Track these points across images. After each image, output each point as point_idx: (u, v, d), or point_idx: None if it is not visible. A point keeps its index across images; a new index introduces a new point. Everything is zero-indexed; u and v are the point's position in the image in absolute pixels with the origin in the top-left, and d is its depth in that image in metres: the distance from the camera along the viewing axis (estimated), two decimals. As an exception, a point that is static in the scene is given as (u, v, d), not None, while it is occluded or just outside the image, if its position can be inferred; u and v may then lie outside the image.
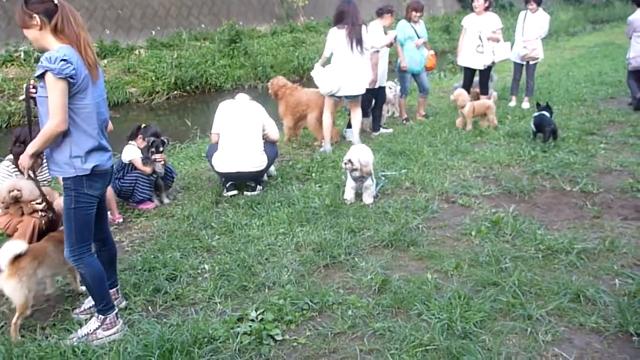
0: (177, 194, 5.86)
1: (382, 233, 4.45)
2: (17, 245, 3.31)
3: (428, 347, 2.97)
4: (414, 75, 8.52)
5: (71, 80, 2.84)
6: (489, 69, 8.68)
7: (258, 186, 5.70)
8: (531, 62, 9.06)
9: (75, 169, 3.02)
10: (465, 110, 7.86)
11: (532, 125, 7.13)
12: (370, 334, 3.17)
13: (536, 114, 7.16)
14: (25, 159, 3.03)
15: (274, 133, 5.89)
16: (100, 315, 3.23)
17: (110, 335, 3.22)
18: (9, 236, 4.65)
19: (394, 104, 8.98)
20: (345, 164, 5.14)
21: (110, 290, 3.48)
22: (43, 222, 4.65)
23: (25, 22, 2.90)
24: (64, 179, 3.07)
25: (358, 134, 7.23)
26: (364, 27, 6.72)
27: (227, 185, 5.67)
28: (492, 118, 7.88)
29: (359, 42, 6.66)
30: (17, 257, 3.25)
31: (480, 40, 8.40)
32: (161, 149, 5.47)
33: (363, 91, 6.98)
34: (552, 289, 3.54)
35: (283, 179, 6.07)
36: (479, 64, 8.58)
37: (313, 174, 6.21)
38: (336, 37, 6.74)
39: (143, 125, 5.67)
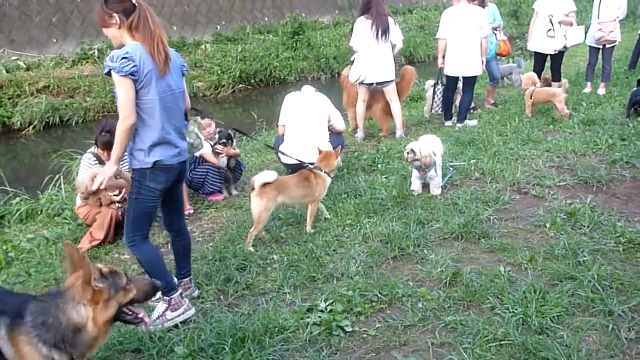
0: (245, 186, 5.96)
1: (452, 225, 4.36)
2: (268, 174, 4.30)
3: (502, 342, 2.89)
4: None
5: (132, 77, 2.92)
6: (561, 54, 8.31)
7: None
8: (608, 46, 8.60)
9: (139, 161, 3.12)
10: (525, 95, 7.66)
11: (629, 102, 7.24)
12: (441, 327, 3.11)
13: (635, 89, 7.28)
14: (110, 167, 3.07)
15: (339, 124, 5.90)
16: (165, 297, 3.34)
17: (178, 315, 3.34)
18: (88, 226, 4.90)
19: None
20: (408, 153, 5.05)
21: (184, 280, 3.61)
22: (120, 212, 4.86)
23: (104, 20, 3.02)
24: (132, 168, 3.19)
25: (400, 121, 7.20)
26: (390, 18, 6.87)
27: None
28: (562, 107, 7.49)
29: (385, 31, 6.78)
30: (265, 184, 4.25)
31: (551, 24, 8.03)
32: (225, 142, 5.55)
33: (391, 77, 6.98)
34: (634, 284, 3.36)
35: (349, 170, 6.05)
36: (549, 49, 8.21)
37: (379, 165, 6.17)
38: (362, 26, 6.85)
39: (219, 130, 5.79)
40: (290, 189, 4.47)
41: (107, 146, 4.84)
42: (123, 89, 2.93)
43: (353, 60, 7.09)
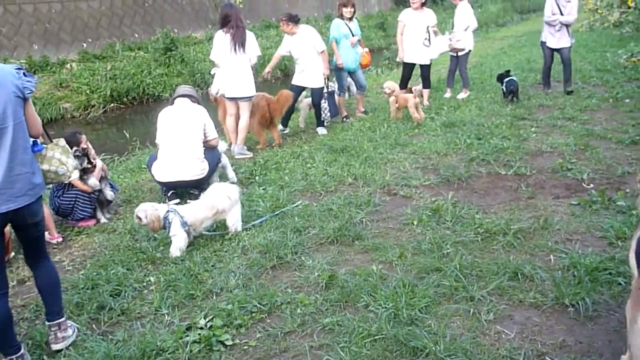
0: (119, 208, 5.73)
1: (327, 230, 4.50)
2: None
3: (376, 337, 3.04)
4: (350, 73, 8.63)
5: None
6: (430, 63, 8.93)
7: (201, 194, 5.64)
8: (460, 54, 9.33)
9: None
10: (390, 100, 8.30)
11: (504, 88, 8.84)
12: (319, 330, 3.20)
13: (508, 79, 8.82)
14: None
15: (214, 138, 5.79)
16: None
17: None
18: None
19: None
20: (135, 218, 4.53)
21: (58, 321, 3.25)
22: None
23: None
24: None
25: (241, 138, 7.27)
26: (247, 31, 7.08)
27: (169, 194, 5.59)
28: (412, 111, 7.94)
29: (242, 44, 6.94)
30: None
31: (427, 34, 8.58)
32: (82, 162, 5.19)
33: (247, 94, 7.10)
34: (491, 270, 3.68)
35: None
36: (425, 59, 8.78)
37: (257, 177, 6.21)
38: (221, 40, 7.02)
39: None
40: None
41: None
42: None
43: (213, 75, 7.17)
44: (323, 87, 7.88)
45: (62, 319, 3.27)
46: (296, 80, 8.01)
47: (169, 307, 3.59)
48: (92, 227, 5.24)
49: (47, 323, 3.26)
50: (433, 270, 3.74)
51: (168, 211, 4.46)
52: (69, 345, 3.24)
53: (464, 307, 3.31)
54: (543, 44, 9.15)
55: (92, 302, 3.70)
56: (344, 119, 8.73)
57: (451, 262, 3.78)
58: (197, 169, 5.53)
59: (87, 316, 3.57)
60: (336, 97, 8.70)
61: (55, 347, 3.22)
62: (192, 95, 5.84)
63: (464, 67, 9.52)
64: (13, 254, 4.59)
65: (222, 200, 4.61)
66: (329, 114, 8.02)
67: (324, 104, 7.94)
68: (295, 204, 5.16)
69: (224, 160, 6.09)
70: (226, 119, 7.37)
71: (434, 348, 2.89)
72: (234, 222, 4.69)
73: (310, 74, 7.80)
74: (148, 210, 4.43)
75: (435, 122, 7.86)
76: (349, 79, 8.88)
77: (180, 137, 5.53)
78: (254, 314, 3.42)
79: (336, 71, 8.59)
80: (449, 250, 4.00)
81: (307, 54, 7.73)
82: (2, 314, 2.99)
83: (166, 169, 5.49)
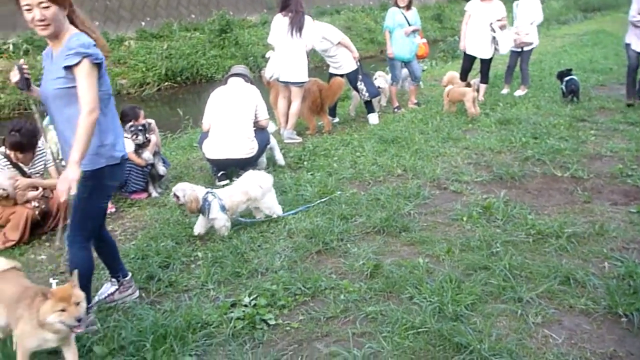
0: (169, 184, 5.84)
1: (374, 219, 4.47)
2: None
3: (420, 330, 3.00)
4: (405, 64, 8.51)
5: (98, 66, 2.81)
6: (492, 58, 8.69)
7: None
8: (525, 49, 9.03)
9: (106, 158, 2.94)
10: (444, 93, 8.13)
11: (564, 87, 8.61)
12: (362, 318, 3.19)
13: (568, 77, 8.58)
14: (74, 171, 2.68)
15: (264, 118, 5.82)
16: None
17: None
18: (1, 226, 4.65)
19: (385, 93, 8.98)
20: (173, 196, 4.50)
21: (124, 280, 3.50)
22: (36, 212, 4.65)
23: None
24: (86, 170, 2.85)
25: (292, 123, 7.25)
26: (307, 15, 7.00)
27: (219, 174, 5.66)
28: (469, 106, 7.78)
29: (300, 29, 6.88)
30: None
31: (493, 31, 8.33)
32: (140, 137, 5.36)
33: (300, 80, 7.05)
34: (542, 272, 3.57)
35: (275, 168, 6.07)
36: (488, 53, 8.54)
37: (305, 162, 6.22)
38: (279, 23, 6.95)
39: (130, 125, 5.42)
40: None
41: (16, 146, 4.61)
42: (94, 78, 2.76)
43: (268, 58, 7.19)
44: (357, 70, 7.75)
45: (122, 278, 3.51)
46: (332, 70, 7.90)
47: (214, 283, 3.65)
48: (143, 200, 5.38)
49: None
50: (481, 268, 3.66)
51: (207, 193, 4.42)
52: (119, 312, 3.34)
53: (511, 307, 3.23)
54: (627, 46, 8.16)
55: (142, 272, 3.80)
56: (395, 110, 8.64)
57: (500, 261, 3.69)
58: (247, 147, 5.58)
59: (137, 284, 3.66)
60: (389, 86, 8.63)
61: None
62: (245, 75, 5.89)
63: (526, 63, 9.24)
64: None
65: (254, 189, 4.58)
66: (367, 94, 7.87)
67: (361, 86, 7.82)
68: (339, 193, 5.12)
69: (273, 142, 6.12)
70: (278, 102, 7.40)
71: (478, 346, 2.83)
72: (270, 207, 4.66)
73: (340, 61, 7.71)
74: (187, 190, 4.37)
75: (490, 119, 7.68)
76: (405, 71, 8.76)
77: (232, 115, 5.59)
78: (297, 297, 3.44)
79: (389, 60, 8.50)
80: (498, 249, 3.91)
81: (327, 46, 7.65)
82: (111, 242, 3.44)
83: (216, 147, 5.56)
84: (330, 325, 3.16)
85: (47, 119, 2.95)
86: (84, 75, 2.73)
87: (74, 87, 2.76)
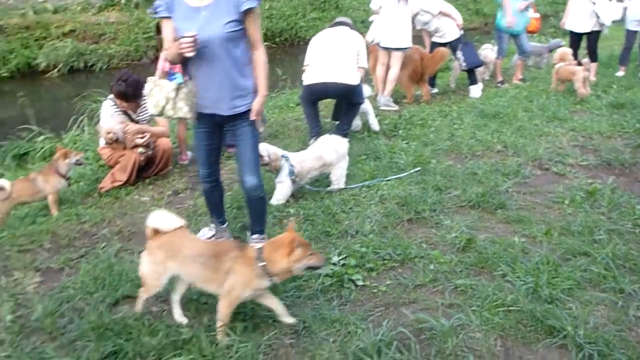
0: (264, 141, 5.96)
1: (470, 193, 4.36)
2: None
3: (511, 308, 2.92)
4: (513, 37, 8.11)
5: None
6: (596, 33, 8.11)
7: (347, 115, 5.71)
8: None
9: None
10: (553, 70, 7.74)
11: None
12: (451, 289, 3.15)
13: None
14: (259, 103, 3.19)
15: (363, 65, 5.66)
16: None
17: None
18: (111, 167, 4.97)
19: (488, 66, 8.65)
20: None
21: (222, 227, 3.75)
22: (142, 157, 4.93)
23: None
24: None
25: (389, 89, 7.10)
26: None
27: (314, 128, 5.59)
28: (578, 86, 7.32)
29: None
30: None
31: (592, 2, 7.80)
32: None
33: (402, 45, 6.90)
34: (648, 265, 3.35)
35: (370, 134, 6.04)
36: (588, 26, 8.02)
37: (400, 131, 6.14)
38: None
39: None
40: None
41: (121, 95, 4.84)
42: (260, 21, 3.08)
43: (371, 22, 7.08)
44: (459, 38, 7.53)
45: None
46: (435, 38, 7.70)
47: (305, 239, 3.70)
48: (240, 154, 5.53)
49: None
50: (581, 254, 3.49)
51: (282, 156, 4.45)
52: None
53: (611, 297, 3.06)
54: None
55: (237, 222, 3.95)
56: (499, 84, 8.30)
57: (602, 249, 3.49)
58: (349, 73, 5.41)
59: (232, 234, 3.81)
60: (495, 59, 8.30)
61: None
62: (350, 24, 5.82)
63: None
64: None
65: (330, 153, 4.54)
66: (464, 64, 7.62)
67: (459, 54, 7.58)
68: (415, 170, 4.93)
69: (368, 106, 6.05)
70: (376, 68, 7.30)
71: (572, 332, 2.72)
72: (338, 177, 4.61)
73: (443, 29, 7.50)
74: (270, 149, 4.41)
75: (602, 101, 7.20)
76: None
77: (334, 49, 5.48)
78: (386, 261, 3.45)
79: (497, 33, 8.14)
80: (601, 237, 3.69)
81: (428, 19, 7.43)
82: (222, 186, 3.68)
83: (317, 71, 5.44)
84: (418, 292, 3.14)
85: (178, 77, 3.01)
86: (257, 17, 3.03)
87: (242, 29, 3.01)
